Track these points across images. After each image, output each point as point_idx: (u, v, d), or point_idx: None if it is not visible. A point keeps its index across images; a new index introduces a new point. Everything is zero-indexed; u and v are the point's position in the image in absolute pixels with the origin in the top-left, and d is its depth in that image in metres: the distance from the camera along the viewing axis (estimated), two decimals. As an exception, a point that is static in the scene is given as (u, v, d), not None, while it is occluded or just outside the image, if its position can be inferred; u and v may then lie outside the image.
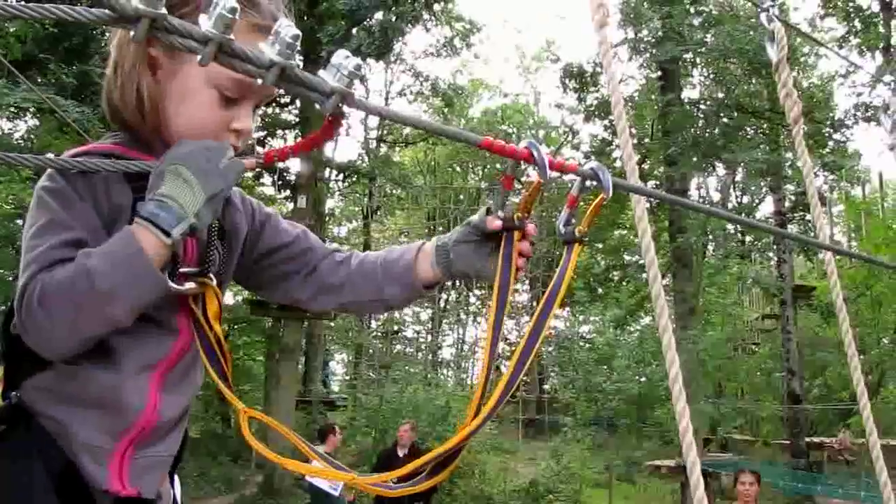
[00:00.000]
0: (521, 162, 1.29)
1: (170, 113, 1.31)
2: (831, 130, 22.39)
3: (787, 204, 20.69)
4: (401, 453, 9.11)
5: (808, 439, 18.15)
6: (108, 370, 1.27)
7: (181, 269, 1.29)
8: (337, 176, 21.99)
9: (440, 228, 26.41)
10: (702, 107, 19.92)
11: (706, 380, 16.54)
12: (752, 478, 6.45)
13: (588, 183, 1.36)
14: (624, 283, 23.44)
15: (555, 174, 1.35)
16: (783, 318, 18.43)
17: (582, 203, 1.43)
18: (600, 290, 28.62)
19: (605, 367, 16.21)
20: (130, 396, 1.27)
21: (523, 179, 1.46)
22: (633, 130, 22.35)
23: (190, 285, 1.32)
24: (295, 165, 17.48)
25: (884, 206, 21.96)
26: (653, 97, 19.49)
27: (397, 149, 28.75)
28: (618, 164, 16.50)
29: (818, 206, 2.46)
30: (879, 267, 15.36)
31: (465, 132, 1.27)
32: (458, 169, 31.37)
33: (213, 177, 1.22)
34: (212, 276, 1.36)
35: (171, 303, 1.31)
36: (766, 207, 25.92)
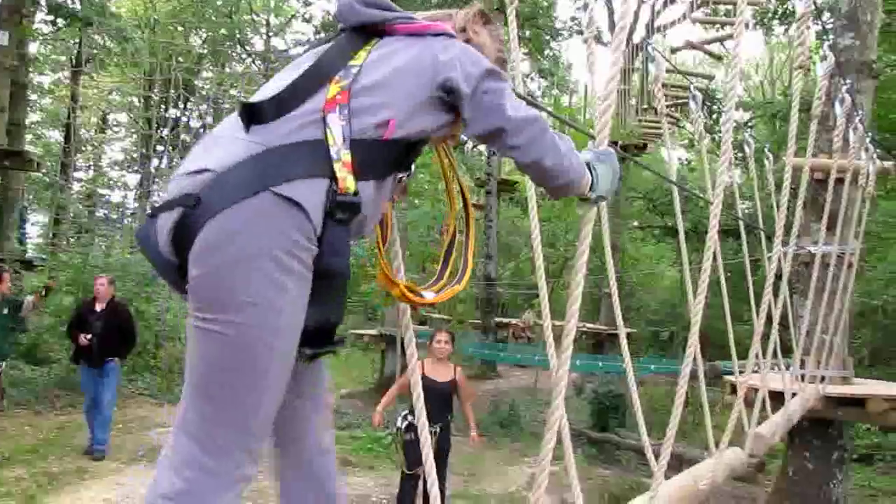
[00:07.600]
0: None
1: None
2: (549, 38, 23.85)
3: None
4: (98, 308, 8.67)
5: (497, 319, 19.71)
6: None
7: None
8: (47, 15, 19.40)
9: (156, 88, 24.91)
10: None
11: (410, 255, 17.32)
12: (446, 336, 6.72)
13: None
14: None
15: None
16: (487, 208, 19.53)
17: None
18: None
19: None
20: None
21: None
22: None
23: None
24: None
25: (585, 116, 23.85)
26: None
27: (113, -3, 26.32)
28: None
29: (520, 75, 2.75)
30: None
31: None
32: (179, 28, 29.35)
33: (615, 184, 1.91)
34: None
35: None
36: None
